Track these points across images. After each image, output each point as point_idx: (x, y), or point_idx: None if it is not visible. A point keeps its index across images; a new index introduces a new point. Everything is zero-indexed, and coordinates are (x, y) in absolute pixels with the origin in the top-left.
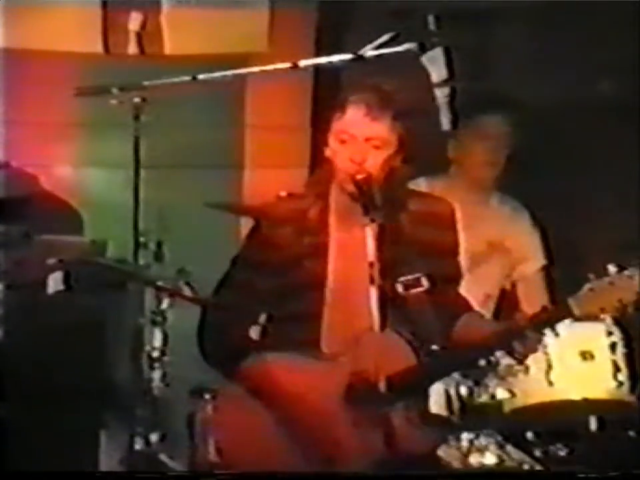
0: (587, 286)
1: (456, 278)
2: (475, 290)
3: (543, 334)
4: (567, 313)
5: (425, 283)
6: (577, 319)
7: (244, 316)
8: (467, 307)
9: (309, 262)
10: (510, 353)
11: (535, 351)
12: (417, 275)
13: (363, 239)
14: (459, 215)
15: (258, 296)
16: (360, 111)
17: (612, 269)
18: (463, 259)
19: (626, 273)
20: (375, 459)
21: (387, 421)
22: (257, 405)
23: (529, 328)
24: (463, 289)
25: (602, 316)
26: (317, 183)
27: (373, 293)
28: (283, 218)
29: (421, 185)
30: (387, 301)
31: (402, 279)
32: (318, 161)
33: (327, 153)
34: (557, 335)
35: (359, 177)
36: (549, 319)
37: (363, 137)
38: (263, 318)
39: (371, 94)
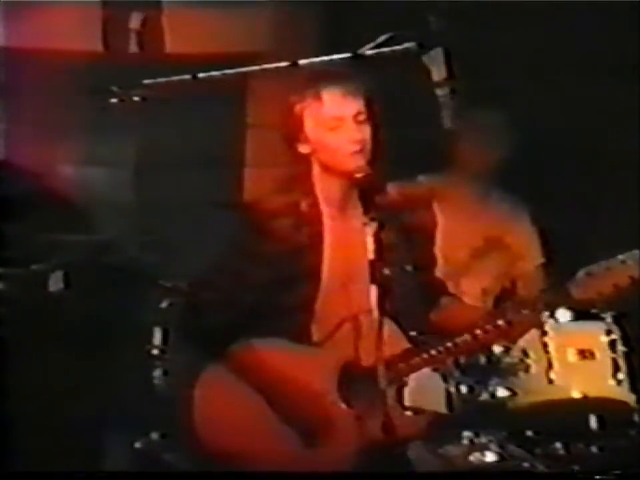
0: (583, 270)
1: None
2: (473, 284)
3: (540, 319)
4: (565, 297)
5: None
6: (575, 302)
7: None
8: (445, 290)
9: (303, 253)
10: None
11: (526, 331)
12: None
13: (355, 230)
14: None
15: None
16: (336, 94)
17: None
18: (461, 253)
19: (620, 257)
20: (365, 441)
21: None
22: (245, 389)
23: (523, 308)
24: (461, 283)
25: (599, 311)
26: (297, 180)
27: (374, 292)
28: (277, 211)
29: (421, 181)
30: (386, 296)
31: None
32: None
33: (303, 149)
34: (554, 318)
35: (359, 175)
36: (547, 303)
37: (350, 115)
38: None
39: (338, 78)
